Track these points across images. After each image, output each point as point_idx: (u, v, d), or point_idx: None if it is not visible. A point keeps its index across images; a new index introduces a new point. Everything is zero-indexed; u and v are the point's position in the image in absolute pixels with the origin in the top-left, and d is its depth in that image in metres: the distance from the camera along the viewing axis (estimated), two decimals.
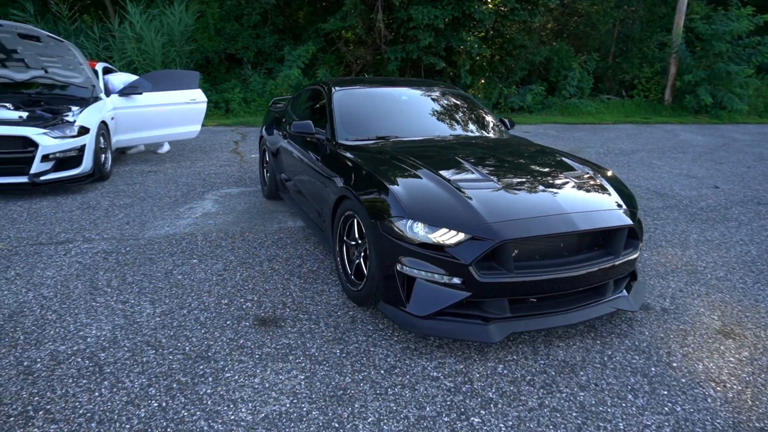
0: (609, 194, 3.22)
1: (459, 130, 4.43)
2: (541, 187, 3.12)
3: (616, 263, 2.96)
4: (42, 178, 5.42)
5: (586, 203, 3.06)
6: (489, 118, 4.82)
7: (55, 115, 5.74)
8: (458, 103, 4.87)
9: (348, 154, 3.66)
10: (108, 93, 6.77)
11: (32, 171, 5.36)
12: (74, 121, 5.66)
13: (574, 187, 3.20)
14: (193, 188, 6.02)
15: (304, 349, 2.79)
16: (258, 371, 2.59)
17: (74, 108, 5.96)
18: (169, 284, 3.53)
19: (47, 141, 5.39)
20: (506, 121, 4.97)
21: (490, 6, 13.56)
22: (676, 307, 3.43)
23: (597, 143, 10.07)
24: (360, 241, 3.23)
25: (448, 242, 2.67)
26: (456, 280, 2.67)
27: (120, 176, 6.48)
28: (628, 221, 3.02)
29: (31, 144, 5.33)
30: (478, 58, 14.14)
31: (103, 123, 6.24)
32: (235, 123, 11.29)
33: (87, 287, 3.46)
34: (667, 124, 13.43)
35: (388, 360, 2.72)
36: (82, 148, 5.68)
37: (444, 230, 2.70)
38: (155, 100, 7.06)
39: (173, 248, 4.19)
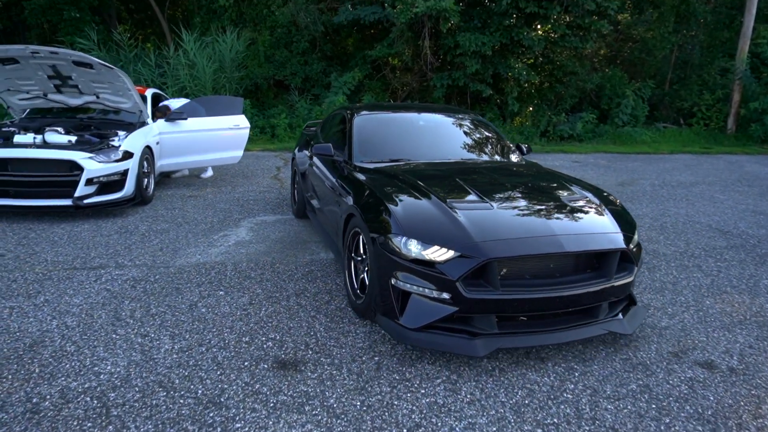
0: (604, 218, 3.28)
1: (471, 155, 4.60)
2: (534, 210, 3.28)
3: (608, 286, 3.01)
4: (85, 201, 5.51)
5: (578, 226, 3.15)
6: (504, 144, 4.94)
7: (101, 140, 5.87)
8: (475, 128, 5.03)
9: (360, 176, 3.87)
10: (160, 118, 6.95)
11: (76, 194, 5.46)
12: (119, 146, 5.77)
13: (569, 210, 3.31)
14: (230, 215, 5.99)
15: (323, 399, 2.58)
16: (270, 423, 2.39)
17: (121, 133, 6.08)
18: (191, 318, 3.42)
19: (92, 165, 5.50)
20: (523, 146, 5.06)
21: (539, 33, 13.31)
22: (745, 367, 3.02)
23: (652, 174, 9.52)
24: (364, 257, 3.37)
25: (438, 259, 2.83)
26: (445, 295, 2.82)
27: (161, 200, 6.55)
28: (621, 245, 3.09)
29: (76, 168, 5.44)
30: (526, 85, 13.85)
31: (148, 148, 6.34)
32: (279, 148, 11.40)
33: (110, 317, 3.38)
34: (730, 154, 12.65)
35: (413, 417, 2.47)
36: (125, 173, 5.77)
37: (436, 248, 2.86)
38: (199, 126, 7.17)
39: (202, 278, 4.10)
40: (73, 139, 5.76)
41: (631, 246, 3.18)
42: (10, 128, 6.01)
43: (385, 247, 3.00)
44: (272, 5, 14.06)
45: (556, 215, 3.20)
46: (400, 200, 3.25)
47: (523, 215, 3.18)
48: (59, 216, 5.69)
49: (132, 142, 5.96)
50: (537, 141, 13.41)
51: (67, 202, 5.46)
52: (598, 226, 3.18)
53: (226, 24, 14.50)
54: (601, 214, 3.32)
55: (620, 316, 3.17)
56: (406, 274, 2.89)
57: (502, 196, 3.41)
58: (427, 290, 2.84)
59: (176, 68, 12.24)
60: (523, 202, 3.36)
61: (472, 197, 3.30)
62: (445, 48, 12.81)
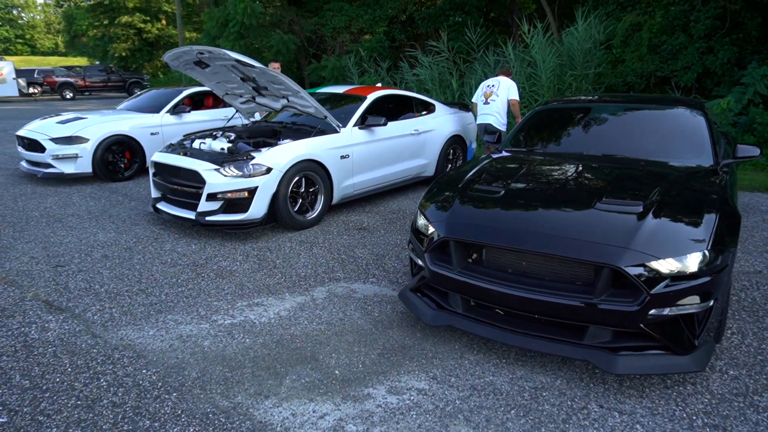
0: (622, 230, 2.60)
1: (628, 151, 3.79)
2: (545, 207, 2.93)
3: (584, 304, 2.50)
4: (207, 218, 4.80)
5: (574, 230, 2.67)
6: (698, 143, 3.70)
7: (249, 150, 5.01)
8: (668, 124, 4.05)
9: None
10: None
11: (198, 209, 4.83)
12: (253, 158, 4.79)
13: (588, 214, 2.79)
14: (335, 271, 4.13)
15: None
16: None
17: (283, 142, 5.09)
18: None
19: (215, 178, 4.73)
20: (745, 148, 3.59)
21: None
22: None
23: None
24: None
25: (426, 232, 3.08)
26: (423, 264, 3.07)
27: (321, 227, 5.23)
28: (608, 261, 2.48)
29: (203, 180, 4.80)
30: None
31: (315, 162, 5.12)
32: None
33: None
34: None
35: None
36: (253, 191, 4.76)
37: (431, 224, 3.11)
38: (391, 132, 5.49)
39: (74, 381, 2.64)
40: (226, 146, 5.14)
41: (652, 270, 2.45)
42: (220, 131, 5.87)
43: (413, 220, 3.34)
44: None
45: (563, 215, 2.81)
46: (444, 181, 3.53)
47: (523, 209, 2.96)
48: (187, 228, 5.19)
49: (277, 154, 4.86)
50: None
51: (192, 215, 4.90)
52: (605, 238, 2.57)
53: (611, 9, 11.60)
54: (626, 225, 2.62)
55: (625, 352, 2.51)
56: (413, 245, 3.22)
57: (536, 188, 3.20)
58: (415, 258, 3.17)
59: (513, 66, 10.41)
60: (548, 198, 3.01)
61: (497, 184, 3.26)
62: None
